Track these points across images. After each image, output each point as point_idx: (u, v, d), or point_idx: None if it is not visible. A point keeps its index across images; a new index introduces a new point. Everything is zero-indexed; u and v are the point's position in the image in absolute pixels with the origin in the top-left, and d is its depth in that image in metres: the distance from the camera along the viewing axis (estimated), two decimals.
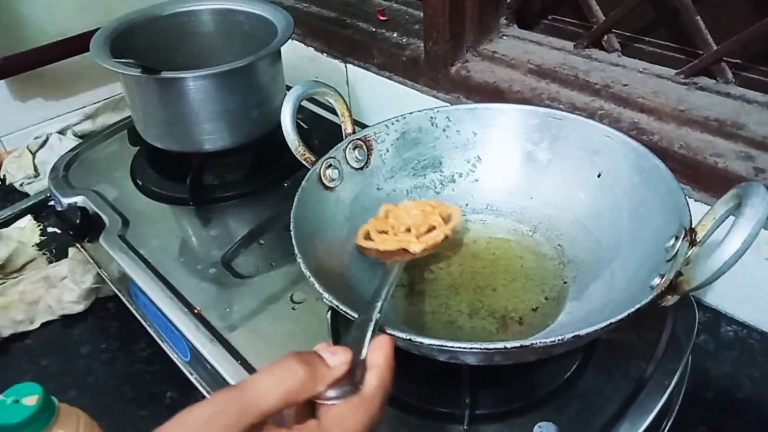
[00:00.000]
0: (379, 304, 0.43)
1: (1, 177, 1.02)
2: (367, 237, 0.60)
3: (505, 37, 0.95)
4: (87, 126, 1.05)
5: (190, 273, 0.70)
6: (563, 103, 0.81)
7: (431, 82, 0.96)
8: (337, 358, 0.34)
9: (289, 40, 0.81)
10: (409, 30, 1.03)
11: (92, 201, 0.82)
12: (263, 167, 0.86)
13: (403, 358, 0.40)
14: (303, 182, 0.59)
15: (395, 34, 1.04)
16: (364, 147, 0.67)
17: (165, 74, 0.73)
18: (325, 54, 1.11)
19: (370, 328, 0.39)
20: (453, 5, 0.87)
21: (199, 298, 0.66)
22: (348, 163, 0.65)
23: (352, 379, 0.35)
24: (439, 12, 0.89)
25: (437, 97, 0.96)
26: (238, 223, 0.78)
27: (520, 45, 0.92)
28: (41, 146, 1.01)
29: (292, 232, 0.53)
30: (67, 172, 0.88)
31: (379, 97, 1.05)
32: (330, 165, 0.63)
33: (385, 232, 0.60)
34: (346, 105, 0.67)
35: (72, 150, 0.92)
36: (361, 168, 0.66)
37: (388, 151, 0.69)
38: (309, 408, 0.35)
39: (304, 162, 0.63)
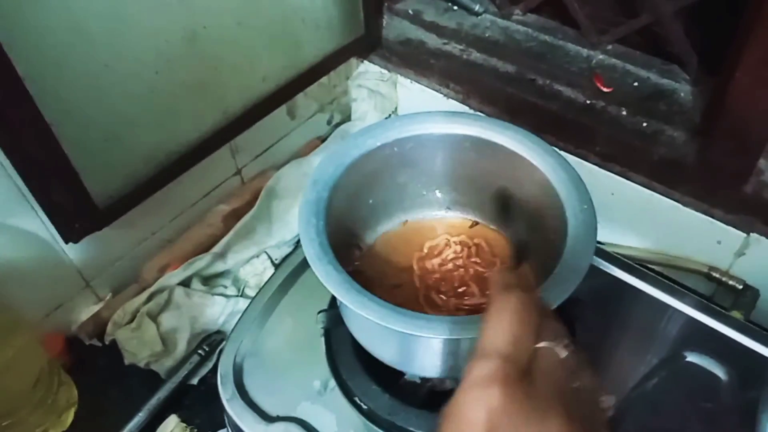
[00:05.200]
0: None
1: (106, 342, 0.75)
2: None
3: None
4: (218, 267, 0.77)
5: None
6: None
7: (703, 194, 0.71)
8: None
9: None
10: (648, 109, 0.76)
11: None
12: None
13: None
14: None
15: (625, 113, 0.76)
16: None
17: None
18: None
19: None
20: None
21: None
22: None
23: None
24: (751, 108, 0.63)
25: (711, 215, 0.71)
26: None
27: None
28: (164, 308, 0.73)
29: None
30: (242, 384, 0.63)
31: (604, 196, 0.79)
32: None
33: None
34: None
35: (232, 340, 0.65)
36: None
37: None
38: None
39: None
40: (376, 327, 0.55)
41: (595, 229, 0.52)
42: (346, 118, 1.01)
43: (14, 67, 0.51)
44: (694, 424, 0.59)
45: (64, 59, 0.56)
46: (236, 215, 0.84)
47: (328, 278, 0.49)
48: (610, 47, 0.82)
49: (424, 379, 0.62)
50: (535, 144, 0.59)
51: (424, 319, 0.47)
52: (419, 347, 0.52)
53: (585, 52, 0.82)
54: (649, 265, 0.77)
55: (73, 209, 0.62)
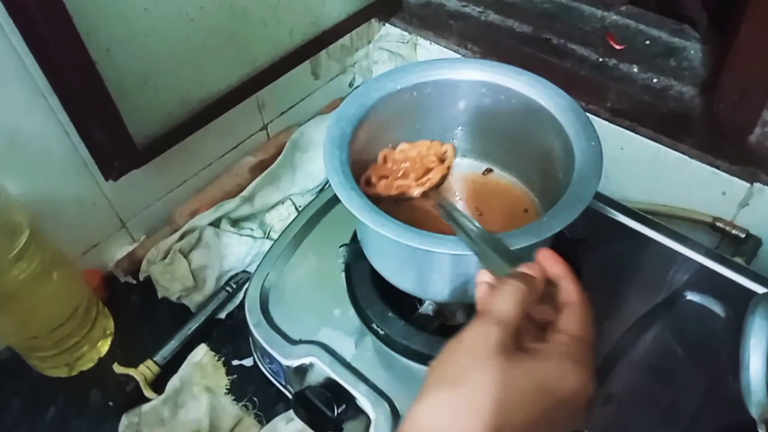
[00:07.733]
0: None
1: (141, 278, 0.80)
2: (369, 183, 0.62)
3: None
4: (245, 210, 0.81)
5: None
6: None
7: (709, 146, 0.74)
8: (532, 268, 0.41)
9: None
10: (658, 66, 0.79)
11: (328, 365, 0.62)
12: None
13: None
14: None
15: (636, 70, 0.79)
16: None
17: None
18: None
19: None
20: None
21: None
22: None
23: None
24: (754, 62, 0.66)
25: (716, 167, 0.74)
26: None
27: None
28: (194, 246, 0.78)
29: None
30: (268, 312, 0.67)
31: (613, 151, 0.82)
32: None
33: (386, 177, 0.62)
34: None
35: (258, 272, 0.70)
36: None
37: None
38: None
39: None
40: (394, 252, 0.59)
41: (601, 161, 0.55)
42: (367, 80, 1.05)
43: (64, 4, 0.55)
44: (690, 356, 0.62)
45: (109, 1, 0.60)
46: (262, 167, 0.88)
47: (351, 202, 0.53)
48: (623, 8, 0.85)
49: (437, 313, 0.66)
50: (546, 88, 0.63)
51: (437, 237, 0.51)
52: (433, 269, 0.56)
53: (599, 13, 0.85)
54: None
55: (113, 147, 0.67)
